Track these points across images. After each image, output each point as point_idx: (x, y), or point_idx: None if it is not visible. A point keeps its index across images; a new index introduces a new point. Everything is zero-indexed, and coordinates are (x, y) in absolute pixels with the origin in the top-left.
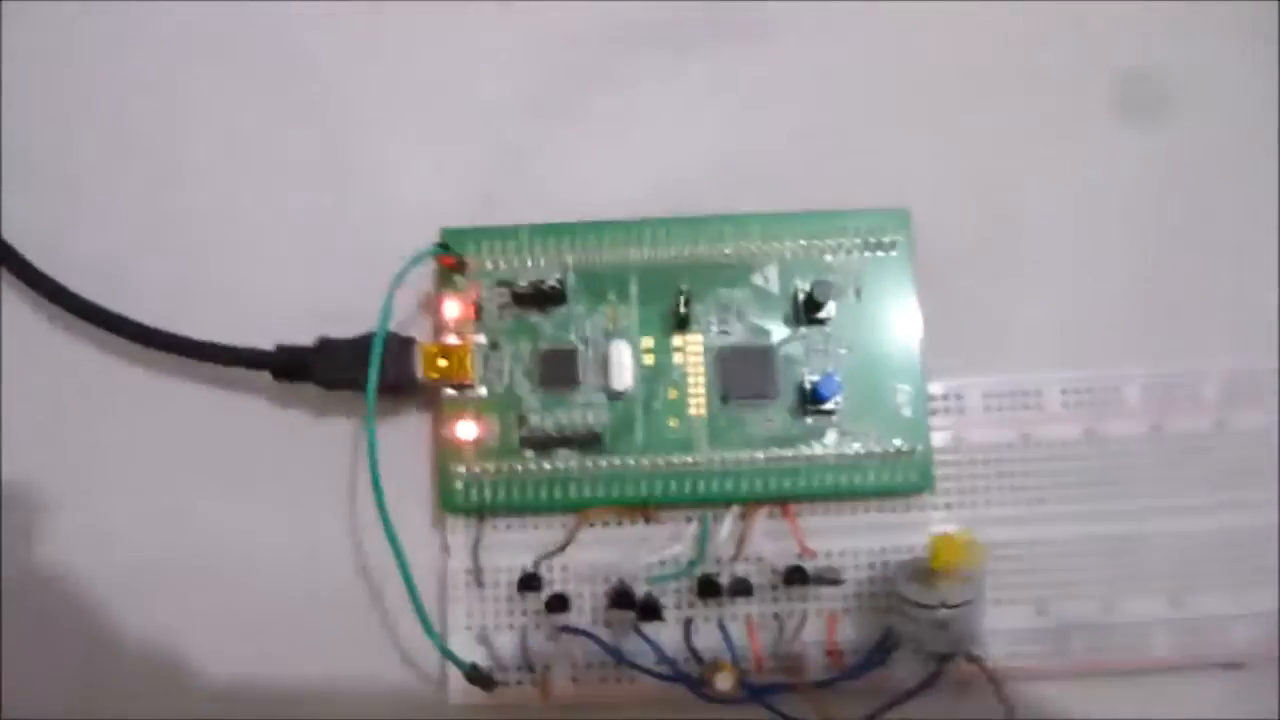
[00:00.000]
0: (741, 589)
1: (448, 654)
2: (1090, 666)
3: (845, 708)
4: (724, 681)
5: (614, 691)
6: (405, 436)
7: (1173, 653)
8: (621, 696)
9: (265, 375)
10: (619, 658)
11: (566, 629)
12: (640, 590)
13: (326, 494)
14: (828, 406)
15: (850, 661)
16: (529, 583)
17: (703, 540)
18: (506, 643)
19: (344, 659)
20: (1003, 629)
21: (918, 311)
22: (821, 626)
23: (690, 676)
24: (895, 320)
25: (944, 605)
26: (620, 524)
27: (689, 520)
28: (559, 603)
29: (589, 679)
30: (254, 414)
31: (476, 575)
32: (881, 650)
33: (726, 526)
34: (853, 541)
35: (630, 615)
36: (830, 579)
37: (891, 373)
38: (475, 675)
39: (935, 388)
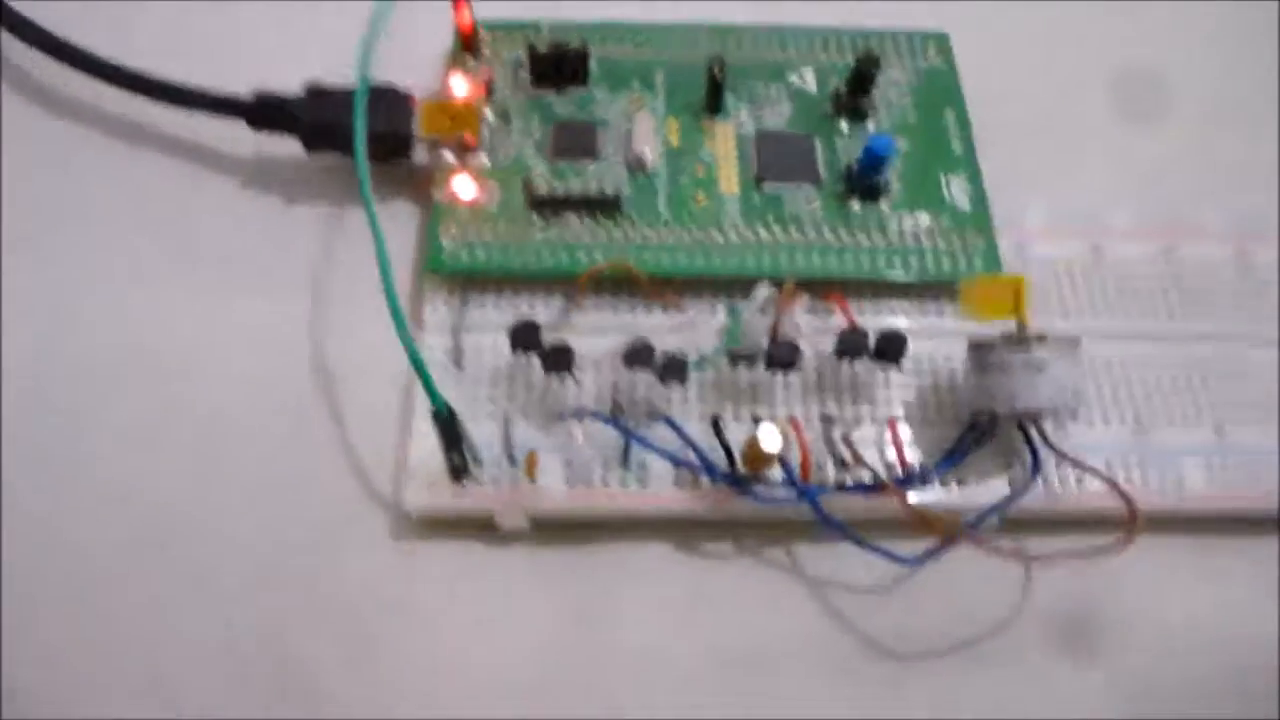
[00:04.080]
0: (783, 359)
1: (417, 364)
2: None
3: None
4: (770, 439)
5: (616, 501)
6: (390, 229)
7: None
8: (624, 507)
9: (242, 133)
10: (629, 436)
11: (565, 415)
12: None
13: (291, 279)
14: (880, 179)
15: (918, 468)
16: (525, 336)
17: (734, 325)
18: (485, 436)
19: (284, 468)
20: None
21: (969, 126)
22: (879, 433)
23: (718, 467)
24: (945, 129)
25: (1039, 340)
26: (632, 310)
27: (714, 309)
28: (559, 358)
29: (587, 482)
30: (219, 189)
31: (455, 354)
32: (970, 438)
33: (760, 296)
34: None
35: (649, 378)
36: (895, 350)
37: (946, 166)
38: (451, 457)
39: (995, 201)
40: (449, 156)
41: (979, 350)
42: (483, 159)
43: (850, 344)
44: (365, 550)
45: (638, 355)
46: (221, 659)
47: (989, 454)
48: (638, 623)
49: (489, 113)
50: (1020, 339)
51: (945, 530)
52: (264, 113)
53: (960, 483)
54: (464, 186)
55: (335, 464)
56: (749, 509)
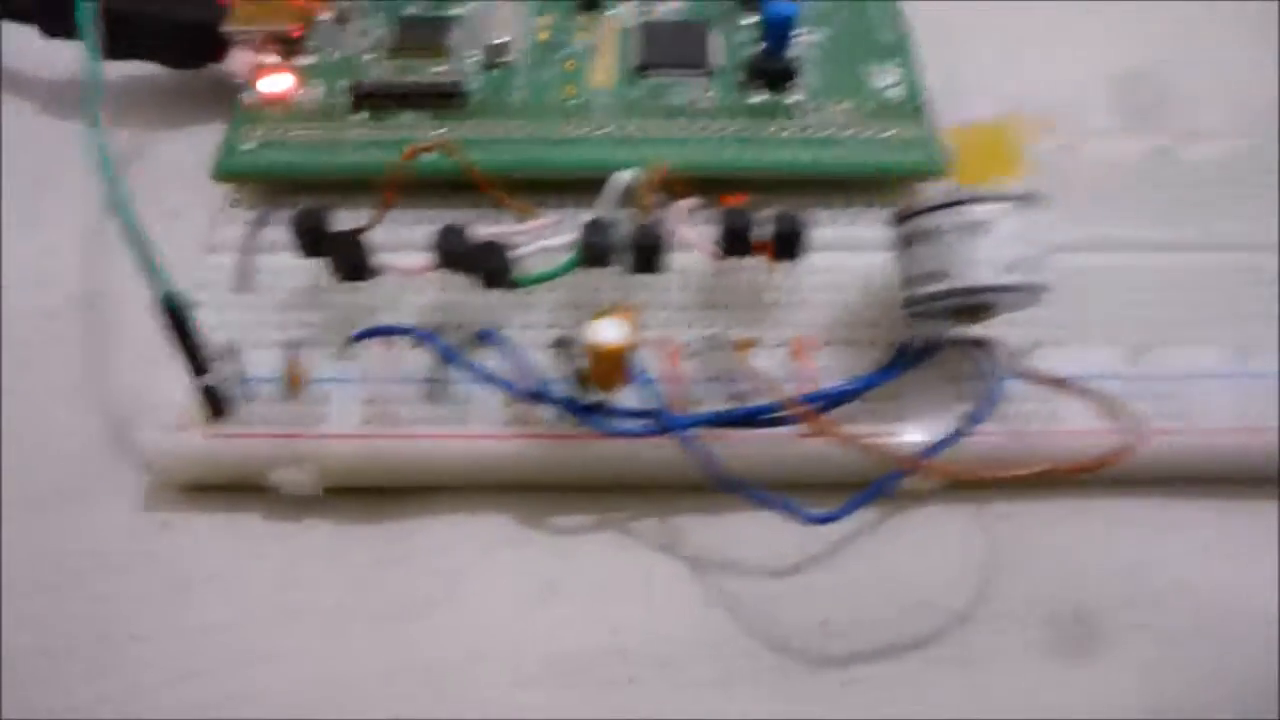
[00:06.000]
0: (644, 245)
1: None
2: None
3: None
4: (608, 331)
5: (425, 445)
6: (198, 150)
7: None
8: (437, 454)
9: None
10: (442, 353)
11: (364, 334)
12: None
13: (66, 210)
14: (786, 60)
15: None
16: (310, 226)
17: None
18: (268, 369)
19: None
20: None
21: (901, 16)
22: (783, 357)
23: (550, 388)
24: (870, 19)
25: (991, 198)
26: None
27: (575, 217)
28: (348, 254)
29: (391, 421)
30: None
31: (243, 277)
32: (904, 357)
33: (621, 180)
34: (824, 255)
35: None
36: (790, 240)
37: (873, 56)
38: (200, 379)
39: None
40: (268, 58)
41: (904, 220)
42: (309, 60)
43: (736, 228)
44: (104, 520)
45: (451, 243)
46: None
47: (931, 380)
48: (464, 619)
49: (325, 15)
50: (965, 197)
51: (889, 462)
52: (53, 13)
53: (897, 419)
54: (274, 82)
55: (82, 415)
56: (602, 455)
